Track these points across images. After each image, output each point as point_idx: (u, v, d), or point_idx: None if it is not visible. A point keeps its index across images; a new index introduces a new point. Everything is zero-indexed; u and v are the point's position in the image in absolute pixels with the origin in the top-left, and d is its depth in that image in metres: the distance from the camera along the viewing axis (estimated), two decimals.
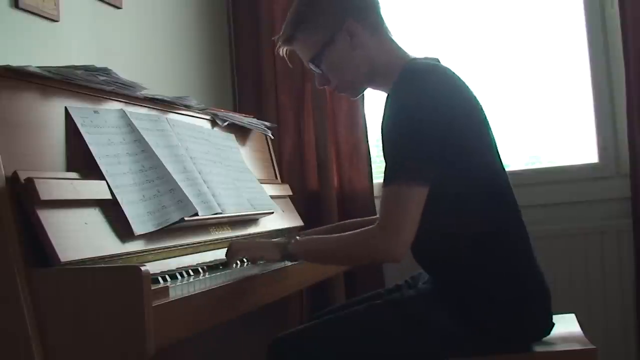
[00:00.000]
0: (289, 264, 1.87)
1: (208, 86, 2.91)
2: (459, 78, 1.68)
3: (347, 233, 1.65)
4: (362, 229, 1.63)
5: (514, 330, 1.61)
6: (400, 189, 1.54)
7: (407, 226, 1.53)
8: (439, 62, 1.73)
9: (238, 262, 1.77)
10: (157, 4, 2.62)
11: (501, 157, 1.71)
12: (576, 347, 1.64)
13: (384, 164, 1.62)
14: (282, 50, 1.83)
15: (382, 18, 1.76)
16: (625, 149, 2.70)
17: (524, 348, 1.62)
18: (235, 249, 1.71)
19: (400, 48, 1.76)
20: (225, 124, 2.32)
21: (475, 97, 1.69)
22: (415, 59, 1.73)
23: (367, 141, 2.90)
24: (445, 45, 2.92)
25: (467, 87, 1.69)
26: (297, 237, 1.72)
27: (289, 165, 2.96)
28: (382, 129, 1.63)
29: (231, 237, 1.97)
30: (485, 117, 1.69)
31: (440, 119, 1.56)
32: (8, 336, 1.32)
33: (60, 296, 1.31)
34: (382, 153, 1.64)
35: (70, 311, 1.30)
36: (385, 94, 1.69)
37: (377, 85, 1.78)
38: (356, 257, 1.73)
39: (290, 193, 2.59)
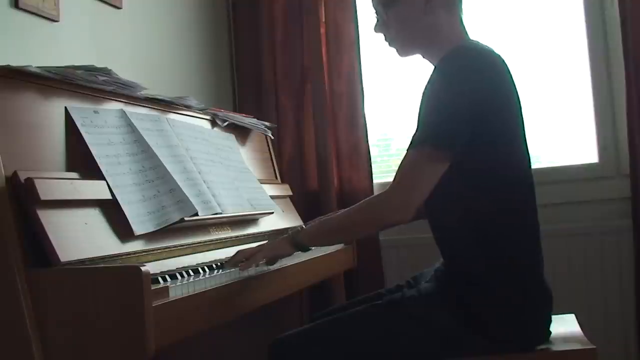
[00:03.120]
0: (290, 263, 1.87)
1: (208, 86, 2.91)
2: (508, 69, 1.69)
3: (354, 205, 1.69)
4: (372, 195, 1.66)
5: (514, 333, 1.61)
6: (422, 154, 1.57)
7: (418, 189, 1.55)
8: (492, 49, 1.74)
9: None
10: (157, 4, 2.62)
11: (530, 155, 1.72)
12: (576, 347, 1.64)
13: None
14: None
15: None
16: (625, 149, 2.71)
17: (523, 350, 1.62)
18: (243, 256, 1.69)
19: (465, 30, 1.77)
20: (225, 124, 2.32)
21: (517, 92, 1.70)
22: (472, 40, 1.75)
23: (367, 141, 2.90)
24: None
25: (512, 79, 1.70)
26: (303, 226, 1.73)
27: (289, 165, 2.96)
28: (423, 94, 1.64)
29: (231, 237, 1.97)
30: (521, 113, 1.71)
31: (478, 101, 1.58)
32: (8, 336, 1.32)
33: (60, 296, 1.31)
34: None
35: (70, 311, 1.30)
36: (433, 66, 1.70)
37: (429, 55, 1.78)
38: (365, 221, 1.69)
39: (290, 193, 2.59)
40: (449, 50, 1.66)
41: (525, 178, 1.70)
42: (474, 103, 1.57)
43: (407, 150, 1.60)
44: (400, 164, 1.60)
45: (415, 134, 1.61)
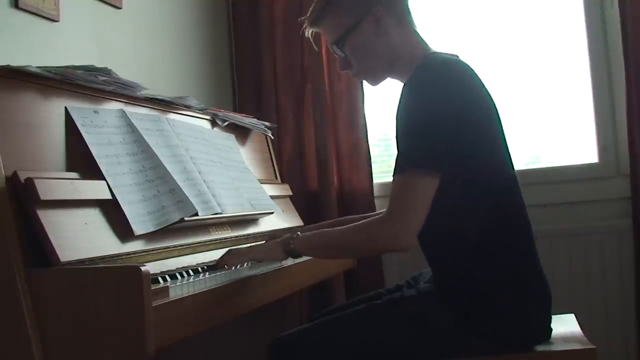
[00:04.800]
0: (290, 263, 1.87)
1: (208, 86, 2.92)
2: (477, 76, 1.69)
3: (351, 225, 1.65)
4: (368, 220, 1.64)
5: (513, 333, 1.61)
6: (410, 178, 1.55)
7: (414, 216, 1.53)
8: (458, 58, 1.74)
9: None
10: (157, 4, 2.62)
11: (512, 158, 1.71)
12: (576, 347, 1.64)
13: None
14: (308, 32, 1.84)
15: (409, 9, 1.77)
16: (625, 149, 2.71)
17: (523, 350, 1.62)
18: (234, 255, 1.71)
19: (423, 41, 1.77)
20: (225, 124, 2.32)
21: (490, 96, 1.69)
22: (435, 52, 1.73)
23: (367, 141, 2.90)
24: (445, 45, 2.91)
25: (484, 85, 1.69)
26: (299, 233, 1.71)
27: (289, 165, 2.96)
28: (396, 118, 1.63)
29: (231, 237, 1.97)
30: (499, 118, 1.69)
31: (452, 113, 1.56)
32: (8, 336, 1.32)
33: (60, 296, 1.31)
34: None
35: (70, 311, 1.30)
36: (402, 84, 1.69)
37: (396, 75, 1.78)
38: (363, 248, 1.70)
39: (290, 193, 2.59)
40: (414, 66, 1.65)
41: (510, 182, 1.68)
42: (448, 118, 1.55)
43: (393, 176, 1.58)
44: (391, 192, 1.57)
45: (397, 159, 1.59)
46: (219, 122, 2.30)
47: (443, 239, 1.65)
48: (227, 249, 1.76)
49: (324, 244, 1.69)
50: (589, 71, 2.83)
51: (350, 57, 1.76)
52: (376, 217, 1.62)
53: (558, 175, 2.85)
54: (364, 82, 2.89)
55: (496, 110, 1.69)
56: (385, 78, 1.81)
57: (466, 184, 1.60)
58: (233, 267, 1.70)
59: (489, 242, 1.63)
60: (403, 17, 1.75)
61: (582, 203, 2.78)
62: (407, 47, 1.74)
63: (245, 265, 1.77)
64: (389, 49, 1.73)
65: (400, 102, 1.63)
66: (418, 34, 1.77)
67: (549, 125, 2.95)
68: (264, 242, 1.92)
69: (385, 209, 1.59)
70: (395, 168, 1.59)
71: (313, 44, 1.98)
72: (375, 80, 1.82)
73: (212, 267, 1.72)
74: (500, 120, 1.70)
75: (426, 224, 1.55)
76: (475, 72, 1.69)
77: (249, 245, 1.85)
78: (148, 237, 1.60)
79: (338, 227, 1.70)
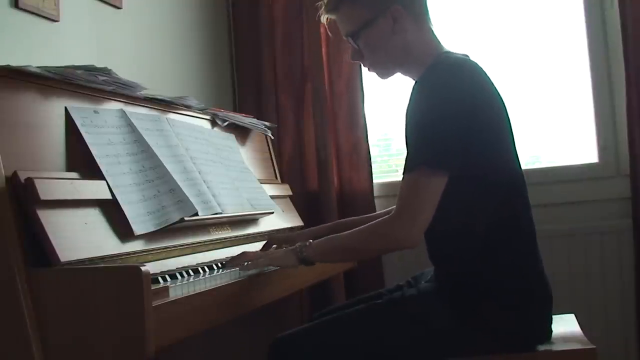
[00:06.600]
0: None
1: (208, 86, 2.91)
2: (486, 75, 1.70)
3: (361, 227, 1.66)
4: (377, 220, 1.65)
5: (514, 332, 1.61)
6: (420, 177, 1.55)
7: (423, 215, 1.54)
8: (469, 58, 1.74)
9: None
10: (157, 4, 2.62)
11: (519, 158, 1.72)
12: (576, 347, 1.64)
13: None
14: (324, 18, 1.85)
15: (427, 8, 1.78)
16: (625, 149, 2.71)
17: (523, 349, 1.62)
18: (247, 259, 1.72)
19: (438, 40, 1.78)
20: (225, 124, 2.32)
21: (499, 96, 1.70)
22: (448, 51, 1.74)
23: (367, 141, 2.90)
24: (445, 45, 2.91)
25: (493, 84, 1.70)
26: (310, 241, 1.70)
27: (289, 165, 2.96)
28: (406, 116, 1.64)
29: (231, 237, 1.97)
30: (508, 117, 1.70)
31: (463, 113, 1.57)
32: (8, 336, 1.32)
33: (60, 296, 1.31)
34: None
35: (70, 311, 1.30)
36: (413, 82, 1.70)
37: (407, 71, 1.79)
38: (374, 248, 1.72)
39: (290, 193, 2.59)
40: (426, 65, 1.66)
41: (517, 181, 1.69)
42: (459, 117, 1.56)
43: (403, 175, 1.59)
44: (400, 191, 1.58)
45: (408, 158, 1.60)
46: (219, 122, 2.30)
47: (450, 235, 1.66)
48: (226, 249, 1.77)
49: (336, 247, 1.69)
50: (589, 71, 2.83)
51: (364, 50, 1.77)
52: (386, 217, 1.61)
53: (558, 175, 2.85)
54: (363, 82, 2.92)
55: (505, 109, 1.70)
56: (396, 73, 1.82)
57: (475, 180, 1.61)
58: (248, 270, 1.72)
59: (495, 239, 1.63)
60: (420, 15, 1.76)
61: (582, 203, 2.78)
62: (421, 45, 1.74)
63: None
64: (403, 46, 1.74)
65: (410, 101, 1.64)
66: (433, 33, 1.78)
67: (549, 125, 2.95)
68: (275, 247, 1.94)
69: (393, 207, 1.60)
70: (405, 167, 1.59)
71: (327, 30, 1.98)
72: (385, 74, 1.82)
73: (221, 266, 1.73)
74: (509, 120, 1.71)
75: (434, 220, 1.56)
76: (485, 71, 1.70)
77: (258, 245, 1.85)
78: (148, 237, 1.60)
79: (348, 231, 1.69)
